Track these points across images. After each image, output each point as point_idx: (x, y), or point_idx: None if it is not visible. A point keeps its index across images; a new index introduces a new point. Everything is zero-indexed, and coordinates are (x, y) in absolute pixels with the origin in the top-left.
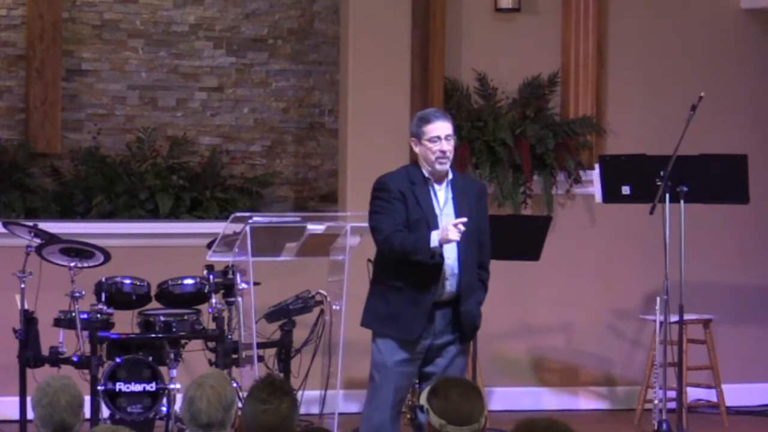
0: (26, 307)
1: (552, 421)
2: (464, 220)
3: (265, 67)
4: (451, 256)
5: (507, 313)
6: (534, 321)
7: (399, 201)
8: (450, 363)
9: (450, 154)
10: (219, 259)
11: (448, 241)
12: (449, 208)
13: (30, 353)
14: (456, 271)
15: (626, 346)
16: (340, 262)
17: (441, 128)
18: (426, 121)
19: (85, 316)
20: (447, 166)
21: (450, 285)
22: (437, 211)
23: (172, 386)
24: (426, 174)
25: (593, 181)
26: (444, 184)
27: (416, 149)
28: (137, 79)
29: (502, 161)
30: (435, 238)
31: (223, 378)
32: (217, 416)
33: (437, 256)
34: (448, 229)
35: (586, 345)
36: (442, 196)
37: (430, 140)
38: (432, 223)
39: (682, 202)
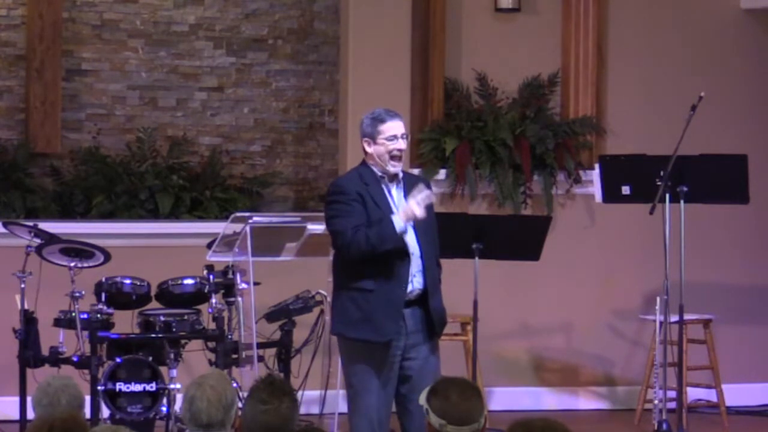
0: (26, 307)
1: (549, 421)
2: (428, 192)
3: (265, 67)
4: (414, 253)
5: (507, 313)
6: (534, 321)
7: (357, 202)
8: (424, 364)
9: (403, 154)
10: (219, 259)
11: (415, 218)
12: (403, 207)
13: (30, 353)
14: (421, 267)
15: (626, 346)
16: None
17: (397, 127)
18: (381, 120)
19: (85, 316)
20: (399, 168)
21: (418, 282)
22: (394, 209)
23: (172, 386)
24: (378, 173)
25: (593, 181)
26: (396, 182)
27: (369, 149)
28: (137, 79)
29: (502, 161)
30: (398, 221)
31: (223, 378)
32: (218, 416)
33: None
34: (411, 206)
35: (586, 345)
36: (396, 195)
37: (388, 139)
38: None
39: (682, 202)
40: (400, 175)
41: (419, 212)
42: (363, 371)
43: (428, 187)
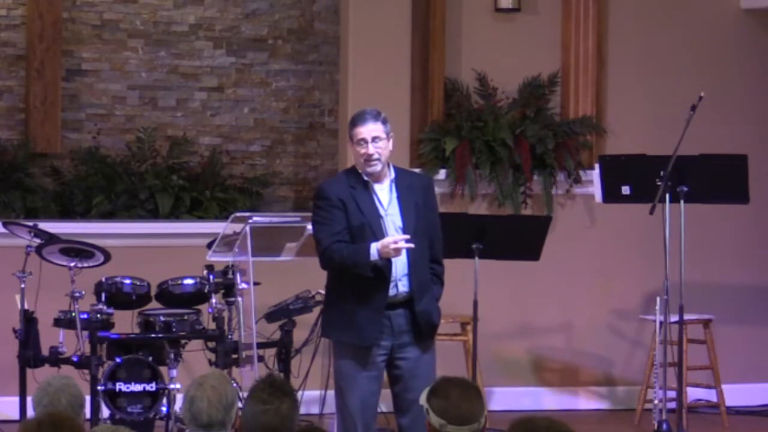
0: (26, 307)
1: (552, 421)
2: (406, 237)
3: (265, 67)
4: (401, 256)
5: (507, 313)
6: (534, 321)
7: (338, 209)
8: (415, 364)
9: (380, 155)
10: (219, 259)
11: (390, 257)
12: (394, 208)
13: (30, 353)
14: (407, 270)
15: (626, 346)
16: None
17: (366, 131)
18: (353, 123)
19: (85, 316)
20: (377, 168)
21: (402, 285)
22: (381, 212)
23: (172, 386)
24: (364, 176)
25: (593, 181)
26: (386, 183)
27: (352, 150)
28: (137, 79)
29: (502, 161)
30: (374, 251)
31: (223, 378)
32: (218, 416)
33: (376, 269)
34: (390, 246)
35: (586, 345)
36: (385, 197)
37: (357, 143)
38: (375, 227)
39: (682, 202)
40: (392, 175)
41: (393, 255)
42: (348, 373)
43: (427, 184)
